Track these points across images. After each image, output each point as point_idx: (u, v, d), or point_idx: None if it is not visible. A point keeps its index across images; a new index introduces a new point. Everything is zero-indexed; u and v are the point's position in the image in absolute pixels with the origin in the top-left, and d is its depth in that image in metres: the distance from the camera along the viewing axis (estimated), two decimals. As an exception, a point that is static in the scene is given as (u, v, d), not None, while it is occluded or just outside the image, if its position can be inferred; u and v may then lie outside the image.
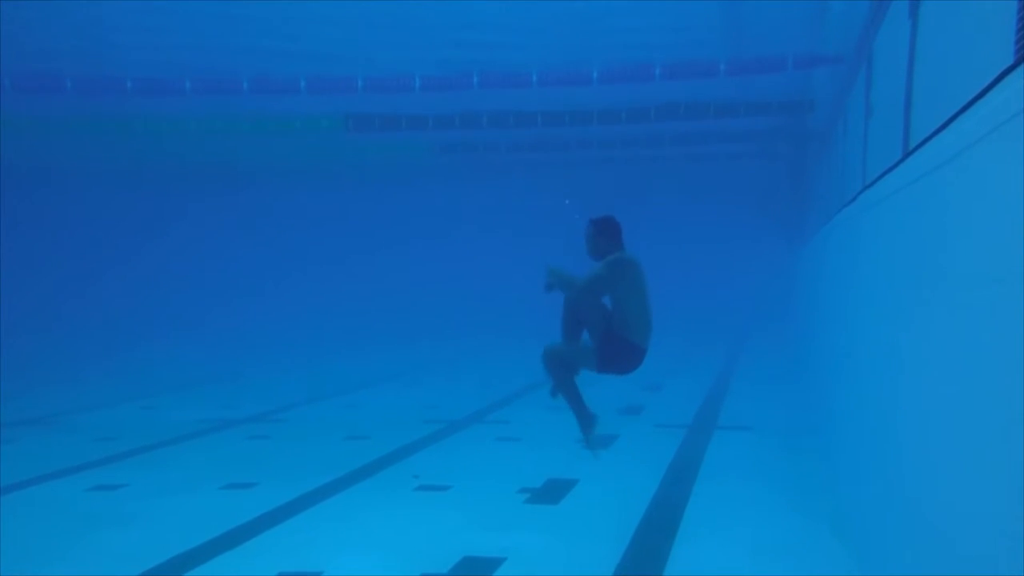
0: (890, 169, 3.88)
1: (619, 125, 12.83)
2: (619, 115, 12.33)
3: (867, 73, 6.20)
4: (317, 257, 25.29)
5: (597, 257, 5.35)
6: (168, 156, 16.79)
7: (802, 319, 11.90)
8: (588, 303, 5.26)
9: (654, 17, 9.85)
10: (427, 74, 10.91)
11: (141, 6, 9.74)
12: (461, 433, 8.42)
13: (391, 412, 9.65)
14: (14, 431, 8.70)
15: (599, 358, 5.25)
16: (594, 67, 10.53)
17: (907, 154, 3.68)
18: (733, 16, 9.71)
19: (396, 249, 26.39)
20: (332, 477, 6.41)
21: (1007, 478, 1.85)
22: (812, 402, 8.29)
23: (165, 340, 18.62)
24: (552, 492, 5.93)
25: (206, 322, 20.62)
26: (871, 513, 3.81)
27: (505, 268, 23.98)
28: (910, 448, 3.00)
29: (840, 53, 8.42)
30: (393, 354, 16.44)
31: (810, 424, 7.84)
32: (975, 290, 2.23)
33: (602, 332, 5.21)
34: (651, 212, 19.21)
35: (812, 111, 11.72)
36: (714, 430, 8.31)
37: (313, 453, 7.47)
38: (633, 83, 10.73)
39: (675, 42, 10.39)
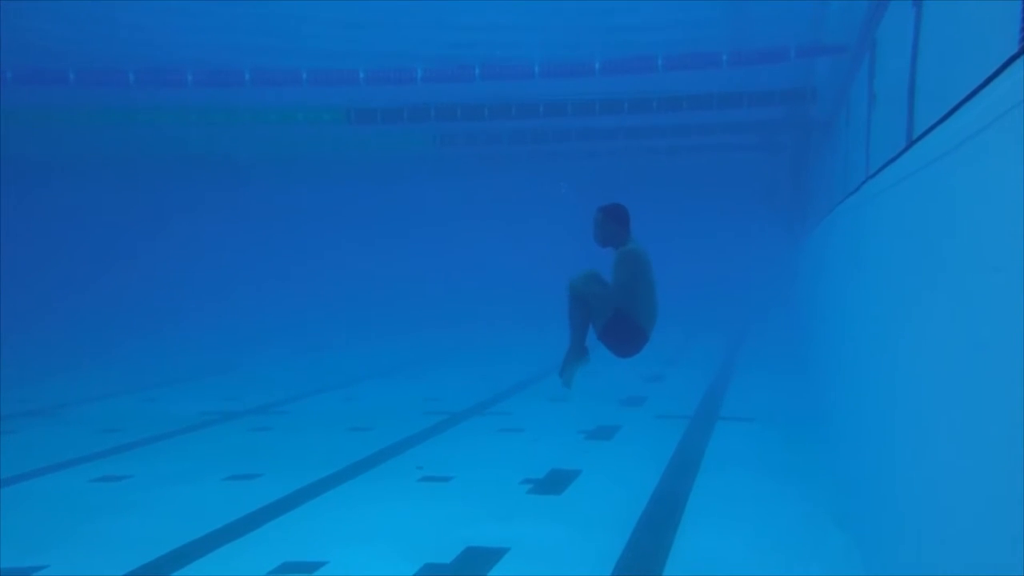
0: (894, 159, 3.86)
1: (622, 116, 12.81)
2: (621, 106, 12.31)
3: (870, 62, 6.18)
4: (318, 250, 25.27)
5: (605, 244, 5.45)
6: (169, 149, 16.79)
7: (805, 309, 11.89)
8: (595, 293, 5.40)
9: (656, 7, 9.80)
10: (429, 66, 10.89)
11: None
12: (463, 424, 8.42)
13: (393, 404, 9.65)
14: (16, 422, 8.72)
15: (604, 329, 5.39)
16: (596, 58, 10.50)
17: (911, 143, 3.67)
18: (735, 5, 9.67)
19: (398, 241, 26.37)
20: (335, 468, 6.41)
21: (1007, 468, 1.85)
22: (815, 392, 8.28)
23: (167, 332, 18.63)
24: (555, 483, 5.93)
25: (207, 314, 20.62)
26: (874, 503, 3.80)
27: (506, 259, 24.02)
28: (911, 437, 2.99)
29: (843, 42, 8.39)
30: (395, 346, 16.44)
31: (813, 414, 7.83)
32: (977, 279, 2.22)
33: (611, 314, 5.32)
34: (653, 203, 19.12)
35: (815, 101, 11.68)
36: (716, 421, 8.30)
37: (315, 445, 7.48)
38: (635, 74, 10.70)
39: (677, 32, 10.35)
